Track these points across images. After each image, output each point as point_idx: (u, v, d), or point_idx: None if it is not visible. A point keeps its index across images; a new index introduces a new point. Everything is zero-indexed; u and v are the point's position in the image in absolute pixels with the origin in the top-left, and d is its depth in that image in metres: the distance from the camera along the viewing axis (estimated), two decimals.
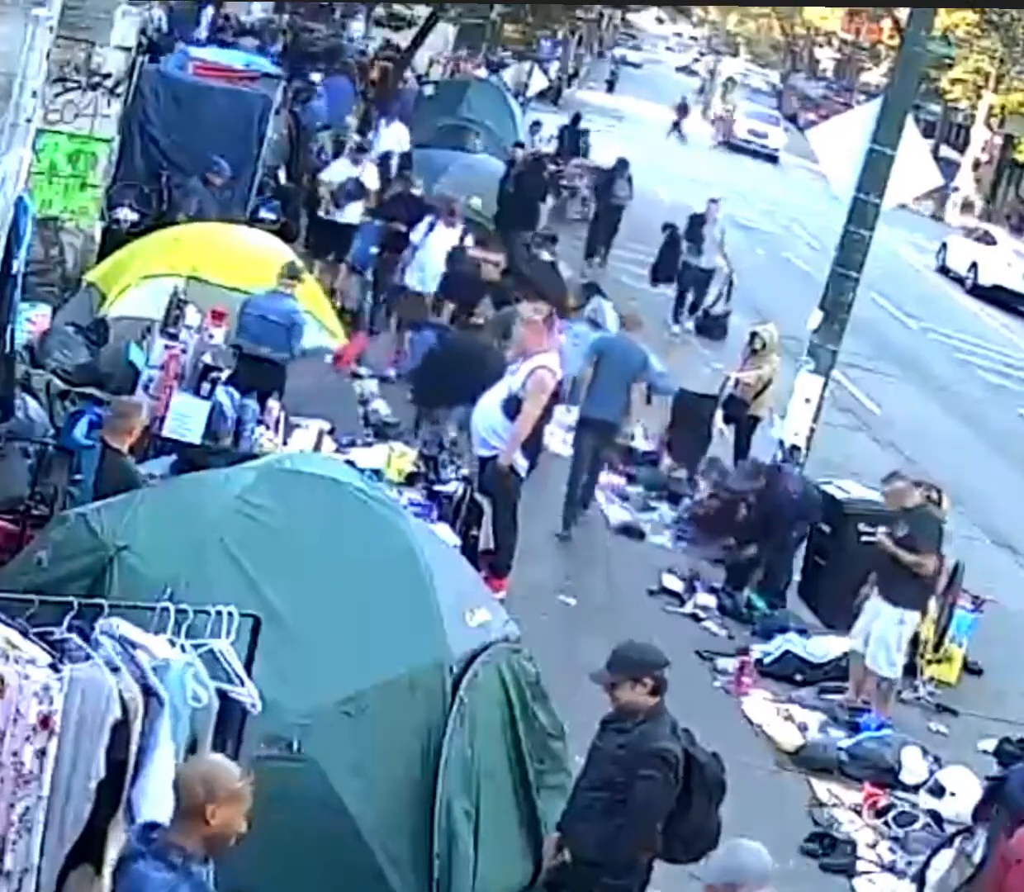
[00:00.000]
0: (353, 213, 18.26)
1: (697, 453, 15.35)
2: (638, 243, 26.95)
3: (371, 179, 18.92)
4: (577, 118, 34.14)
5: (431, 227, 16.83)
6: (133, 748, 5.26)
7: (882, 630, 10.97)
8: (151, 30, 21.10)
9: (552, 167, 26.52)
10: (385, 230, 17.63)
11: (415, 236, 16.76)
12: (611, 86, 61.64)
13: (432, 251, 16.62)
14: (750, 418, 15.50)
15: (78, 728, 5.15)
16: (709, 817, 6.80)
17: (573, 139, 32.02)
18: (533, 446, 11.62)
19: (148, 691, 5.30)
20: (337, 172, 18.67)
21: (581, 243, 25.35)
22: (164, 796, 5.32)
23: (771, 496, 12.80)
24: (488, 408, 11.54)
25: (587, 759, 6.89)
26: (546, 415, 11.69)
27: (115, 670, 5.27)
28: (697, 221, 22.34)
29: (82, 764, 5.16)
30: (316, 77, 25.82)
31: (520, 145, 25.61)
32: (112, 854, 5.25)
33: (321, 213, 18.34)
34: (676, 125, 51.55)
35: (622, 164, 26.99)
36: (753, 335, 15.96)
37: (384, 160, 21.09)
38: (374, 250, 17.70)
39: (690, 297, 22.48)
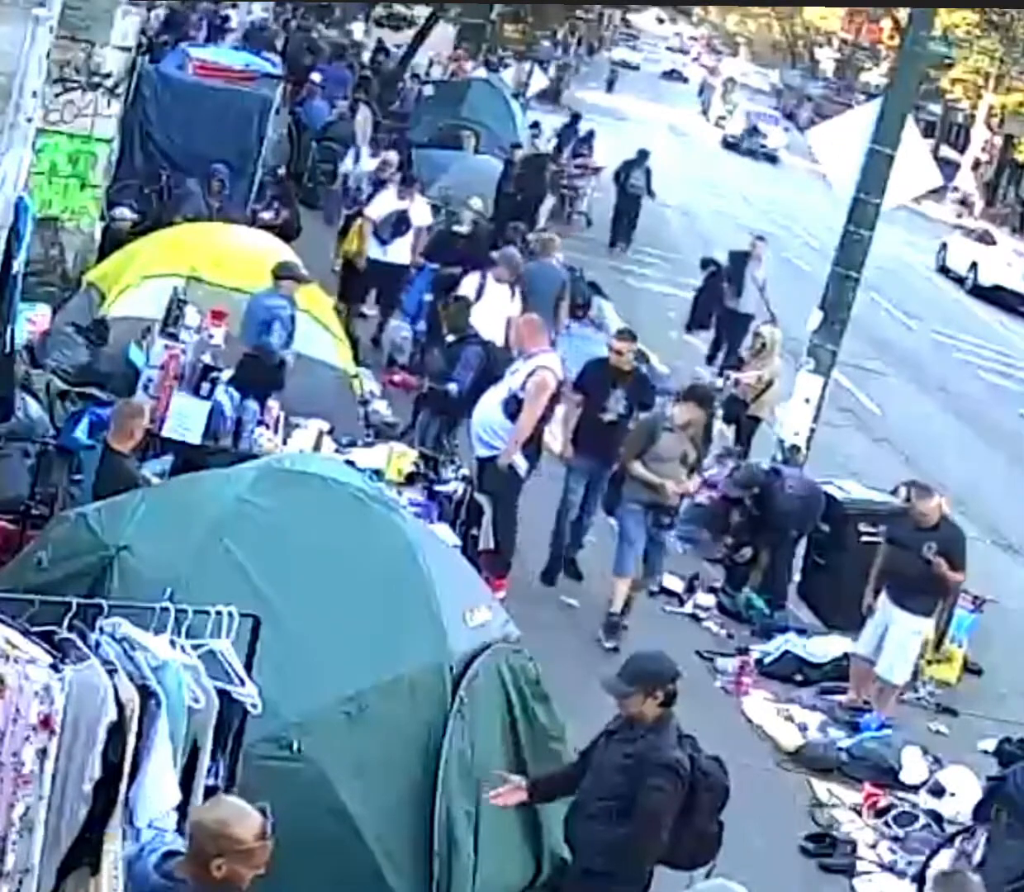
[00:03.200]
0: (401, 252, 16.64)
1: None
2: (643, 245, 27.01)
3: (421, 215, 17.08)
4: (576, 118, 34.06)
5: (482, 287, 14.46)
6: (130, 749, 5.25)
7: (901, 640, 10.91)
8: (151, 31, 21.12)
9: (552, 167, 26.51)
10: (438, 275, 15.96)
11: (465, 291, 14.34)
12: (610, 86, 61.65)
13: (486, 316, 13.87)
14: (750, 418, 15.49)
15: (74, 729, 5.14)
16: (711, 823, 6.80)
17: (570, 139, 31.94)
18: (533, 446, 11.62)
19: (146, 692, 5.30)
20: (382, 206, 16.83)
21: (581, 243, 25.35)
22: (162, 797, 5.33)
23: (769, 500, 12.77)
24: (488, 408, 11.55)
25: (591, 768, 6.87)
26: (547, 416, 11.68)
27: (113, 671, 5.27)
28: (739, 259, 19.51)
29: (77, 766, 5.16)
30: (316, 77, 25.77)
31: (518, 146, 25.60)
32: (110, 855, 5.24)
33: (369, 253, 16.65)
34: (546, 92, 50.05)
35: (642, 155, 27.04)
36: (755, 335, 15.97)
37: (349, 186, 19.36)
38: (427, 297, 15.99)
39: (727, 344, 19.46)
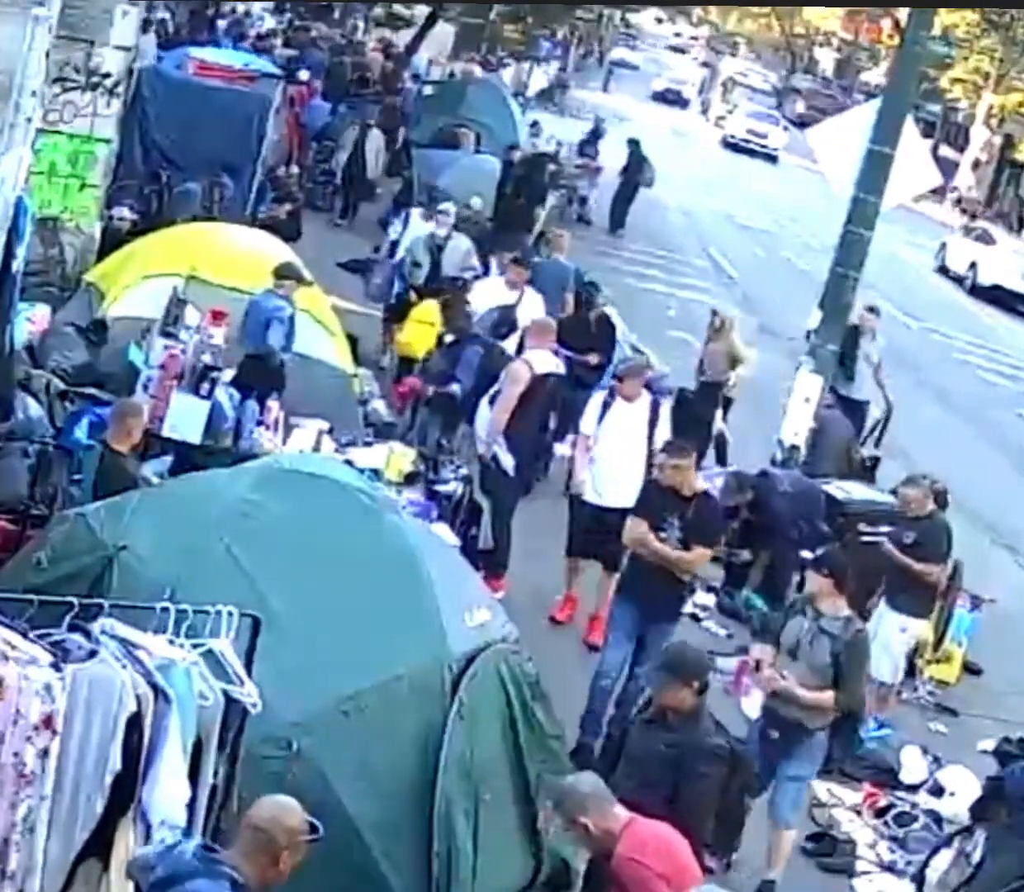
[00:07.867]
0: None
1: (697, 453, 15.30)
2: (643, 245, 26.97)
3: (531, 310, 13.54)
4: (599, 120, 33.40)
5: (606, 406, 11.11)
6: (145, 745, 5.27)
7: (885, 637, 10.91)
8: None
9: (552, 167, 26.50)
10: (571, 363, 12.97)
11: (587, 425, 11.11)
12: (605, 86, 61.54)
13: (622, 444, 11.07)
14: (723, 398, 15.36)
15: (88, 725, 5.16)
16: (740, 807, 6.93)
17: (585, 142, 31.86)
18: (533, 448, 11.60)
19: (155, 689, 5.32)
20: (487, 297, 13.83)
21: (580, 243, 25.35)
22: (174, 793, 5.34)
23: (764, 503, 12.74)
24: (483, 406, 11.60)
25: (626, 759, 6.89)
26: (545, 419, 11.66)
27: (122, 667, 5.28)
28: (848, 335, 15.13)
29: (95, 760, 5.17)
30: (304, 75, 25.75)
31: (515, 147, 25.56)
32: (121, 851, 5.25)
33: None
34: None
35: (634, 144, 26.96)
36: (713, 313, 15.87)
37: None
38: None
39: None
